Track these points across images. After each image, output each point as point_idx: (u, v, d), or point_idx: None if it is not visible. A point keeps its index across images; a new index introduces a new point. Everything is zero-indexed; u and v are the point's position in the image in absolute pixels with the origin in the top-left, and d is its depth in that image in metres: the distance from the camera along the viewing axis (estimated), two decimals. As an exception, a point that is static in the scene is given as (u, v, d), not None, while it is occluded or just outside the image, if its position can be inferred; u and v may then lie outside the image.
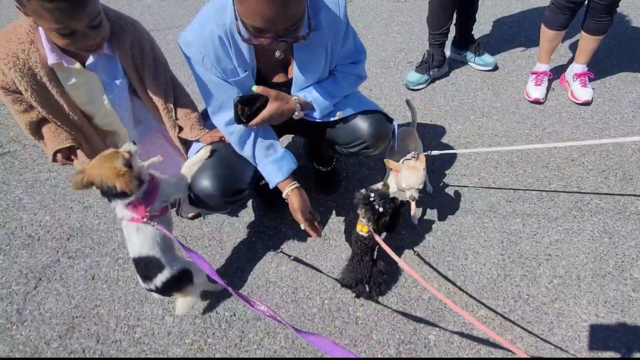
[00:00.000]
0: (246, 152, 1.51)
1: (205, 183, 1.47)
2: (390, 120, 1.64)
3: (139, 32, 1.41)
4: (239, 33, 1.20)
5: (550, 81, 2.62)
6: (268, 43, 1.15)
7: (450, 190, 2.06)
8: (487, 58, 2.83)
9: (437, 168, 2.18)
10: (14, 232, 1.99)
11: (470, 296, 1.65)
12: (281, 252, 1.84)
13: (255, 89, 1.35)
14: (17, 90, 1.31)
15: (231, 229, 1.96)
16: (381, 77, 2.88)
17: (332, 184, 2.08)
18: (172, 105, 1.51)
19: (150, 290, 1.44)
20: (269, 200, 2.02)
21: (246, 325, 1.61)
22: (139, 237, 1.38)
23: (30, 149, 2.45)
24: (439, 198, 2.03)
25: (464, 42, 2.85)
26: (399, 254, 1.79)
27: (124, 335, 1.60)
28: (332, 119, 1.57)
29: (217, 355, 1.54)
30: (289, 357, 1.52)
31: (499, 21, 3.37)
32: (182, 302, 1.51)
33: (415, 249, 1.83)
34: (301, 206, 1.50)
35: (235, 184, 1.52)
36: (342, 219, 1.97)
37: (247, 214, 2.01)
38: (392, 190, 1.76)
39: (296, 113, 1.48)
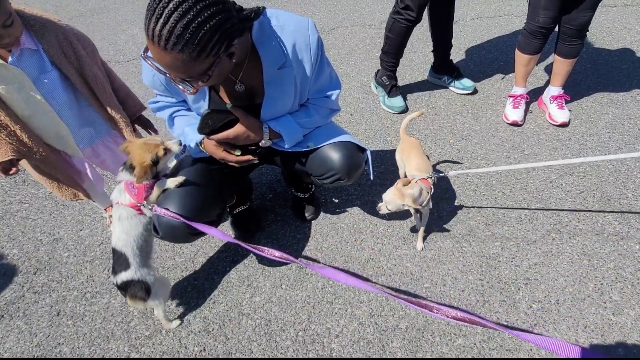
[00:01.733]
0: (176, 130, 1.55)
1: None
2: (362, 150, 1.64)
3: (60, 26, 1.45)
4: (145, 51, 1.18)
5: (527, 104, 2.67)
6: (162, 73, 1.14)
7: (429, 214, 2.05)
8: (466, 82, 2.88)
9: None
10: (-22, 266, 1.94)
11: (448, 324, 1.62)
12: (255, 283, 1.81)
13: (229, 107, 1.35)
14: None
15: (205, 259, 1.92)
16: (362, 102, 2.91)
17: (310, 211, 2.07)
18: (117, 101, 1.61)
19: (114, 284, 1.51)
20: (243, 230, 1.99)
21: (216, 360, 1.56)
22: (121, 228, 1.47)
23: (3, 180, 2.42)
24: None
25: (443, 67, 2.91)
26: (379, 278, 1.77)
27: (88, 375, 1.55)
28: (302, 149, 1.58)
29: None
30: (290, 357, 1.48)
31: (478, 46, 3.45)
32: (133, 303, 1.53)
33: (393, 275, 1.80)
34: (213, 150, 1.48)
35: (202, 217, 1.50)
36: (319, 246, 1.94)
37: (222, 244, 1.98)
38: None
39: (263, 141, 1.48)
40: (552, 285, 1.72)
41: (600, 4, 2.19)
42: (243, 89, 1.39)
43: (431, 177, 1.78)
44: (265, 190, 2.26)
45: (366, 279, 1.78)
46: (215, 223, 1.60)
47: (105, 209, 2.03)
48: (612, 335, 1.55)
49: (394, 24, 2.54)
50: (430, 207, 1.83)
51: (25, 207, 2.23)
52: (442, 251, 1.89)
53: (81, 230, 2.09)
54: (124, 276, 1.46)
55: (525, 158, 2.35)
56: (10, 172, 1.50)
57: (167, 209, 1.41)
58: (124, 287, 1.47)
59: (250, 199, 2.03)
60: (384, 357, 1.54)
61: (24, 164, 1.59)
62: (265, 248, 1.30)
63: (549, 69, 3.02)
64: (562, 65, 2.47)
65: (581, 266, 1.79)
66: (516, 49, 2.51)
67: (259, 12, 1.22)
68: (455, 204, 2.11)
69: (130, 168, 1.40)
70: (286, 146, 1.55)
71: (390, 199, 1.66)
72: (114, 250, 1.48)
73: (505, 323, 1.61)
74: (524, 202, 2.09)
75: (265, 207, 2.16)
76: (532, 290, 1.71)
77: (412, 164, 1.89)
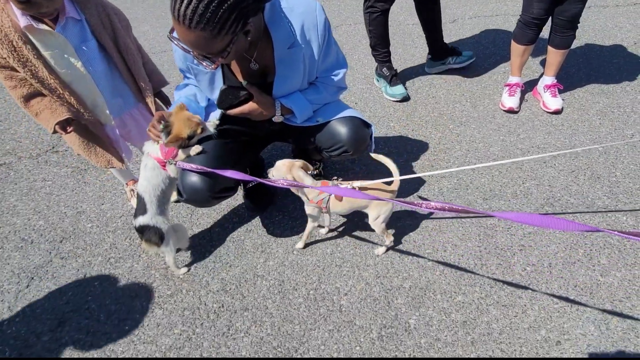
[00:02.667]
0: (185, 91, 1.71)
1: (194, 179, 1.59)
2: (368, 125, 1.77)
3: (104, 2, 1.61)
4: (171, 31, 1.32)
5: (522, 92, 2.82)
6: (185, 51, 1.29)
7: (430, 191, 2.19)
8: (466, 53, 3.15)
9: (417, 170, 2.31)
10: (7, 236, 2.06)
11: (449, 283, 1.74)
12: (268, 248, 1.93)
13: (245, 84, 1.49)
14: (7, 65, 1.48)
15: (221, 229, 2.05)
16: (366, 92, 3.06)
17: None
18: (145, 74, 1.77)
19: (134, 226, 1.71)
20: (257, 202, 2.12)
21: (234, 315, 1.68)
22: (145, 175, 1.64)
23: (26, 161, 2.55)
24: (419, 198, 2.15)
25: (443, 52, 3.07)
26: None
27: (114, 328, 1.66)
28: (311, 124, 1.71)
29: (205, 343, 1.60)
30: (291, 357, 1.58)
31: (476, 42, 3.61)
32: (147, 247, 1.71)
33: (397, 242, 1.93)
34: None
35: (223, 182, 1.63)
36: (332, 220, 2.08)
37: (236, 216, 2.11)
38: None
39: (275, 116, 1.61)
40: (544, 251, 1.85)
41: (593, 4, 2.33)
42: (257, 68, 1.52)
43: (336, 179, 1.71)
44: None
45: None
46: (233, 190, 1.74)
47: (126, 183, 2.16)
48: (600, 293, 1.68)
49: (371, 17, 2.72)
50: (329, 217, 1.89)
51: (49, 184, 2.36)
52: (443, 222, 2.02)
53: (102, 204, 2.21)
54: (141, 220, 1.64)
55: (521, 142, 2.48)
56: (68, 130, 1.65)
57: (192, 166, 1.55)
58: (141, 231, 1.65)
59: (262, 175, 2.16)
60: (384, 357, 1.66)
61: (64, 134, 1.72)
62: (274, 179, 1.53)
63: (542, 62, 3.17)
64: (554, 56, 2.62)
65: (572, 235, 1.92)
66: (512, 40, 2.66)
67: None
68: (455, 181, 2.24)
69: (167, 133, 1.53)
70: (298, 121, 1.68)
71: (279, 167, 1.65)
72: (137, 194, 1.67)
73: (501, 283, 1.74)
74: (519, 180, 2.22)
75: (276, 183, 2.29)
76: (526, 255, 1.84)
77: None
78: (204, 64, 1.32)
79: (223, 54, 1.28)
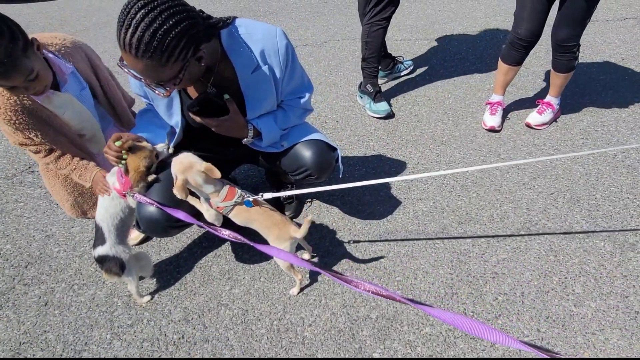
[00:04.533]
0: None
1: (151, 209, 1.54)
2: (333, 149, 1.73)
3: (77, 43, 1.65)
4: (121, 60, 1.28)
5: (505, 111, 2.77)
6: (136, 79, 1.26)
7: (404, 214, 2.13)
8: (406, 63, 3.23)
9: (394, 193, 2.26)
10: (-27, 260, 2.02)
11: (417, 314, 1.68)
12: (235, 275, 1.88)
13: (226, 98, 1.46)
14: (32, 142, 1.56)
15: (189, 253, 2.00)
16: (348, 110, 3.02)
17: (291, 209, 2.15)
18: (123, 101, 1.84)
19: (93, 257, 1.66)
20: (228, 225, 2.07)
21: (193, 347, 1.62)
22: (102, 203, 1.61)
23: (0, 181, 2.52)
24: (393, 221, 2.10)
25: (388, 60, 3.17)
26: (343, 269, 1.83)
27: (71, 360, 1.61)
28: (277, 150, 1.67)
29: (162, 378, 1.55)
30: (292, 357, 1.54)
31: (463, 58, 3.57)
32: (108, 277, 1.66)
33: (367, 269, 1.87)
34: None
35: (182, 210, 1.58)
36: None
37: (206, 239, 2.06)
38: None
39: (246, 138, 1.57)
40: (518, 279, 1.79)
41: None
42: (214, 92, 1.49)
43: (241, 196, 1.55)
44: (249, 191, 2.34)
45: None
46: (198, 215, 1.69)
47: None
48: (572, 325, 1.61)
49: (371, 28, 2.68)
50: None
51: (21, 206, 2.33)
52: (416, 247, 1.96)
53: (72, 227, 2.17)
54: (100, 250, 1.59)
55: (501, 162, 2.43)
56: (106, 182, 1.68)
57: (147, 196, 1.50)
58: (101, 261, 1.61)
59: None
60: (384, 357, 1.60)
61: (45, 177, 1.79)
62: (219, 227, 1.41)
63: (531, 81, 3.13)
64: (553, 77, 2.58)
65: (547, 261, 1.85)
66: (499, 59, 2.62)
67: (228, 21, 1.33)
68: (431, 204, 2.19)
69: (125, 170, 1.49)
70: (263, 145, 1.64)
71: (174, 163, 1.48)
72: (95, 224, 1.62)
73: (472, 314, 1.67)
74: (496, 203, 2.17)
75: (249, 206, 2.25)
76: (498, 284, 1.77)
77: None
78: (157, 91, 1.29)
79: (175, 81, 1.25)
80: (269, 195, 1.52)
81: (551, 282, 1.76)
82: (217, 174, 1.45)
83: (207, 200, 1.54)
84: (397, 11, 2.69)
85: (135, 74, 1.24)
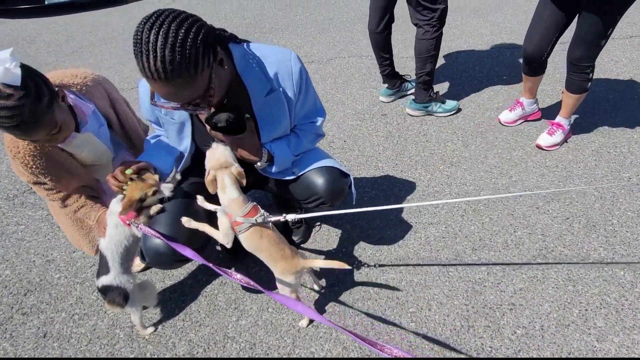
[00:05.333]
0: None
1: (157, 241, 1.47)
2: (346, 175, 1.66)
3: (96, 79, 1.61)
4: (152, 98, 1.25)
5: (524, 112, 2.82)
6: (176, 109, 1.21)
7: (416, 239, 2.06)
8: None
9: (405, 217, 2.19)
10: (-30, 287, 1.95)
11: (432, 349, 1.60)
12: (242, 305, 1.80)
13: (246, 117, 1.41)
14: (44, 184, 1.51)
15: (194, 281, 1.93)
16: (356, 129, 2.96)
17: (299, 234, 2.07)
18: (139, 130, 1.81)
19: (96, 287, 1.58)
20: (233, 252, 2.00)
21: (199, 383, 1.54)
22: (108, 232, 1.51)
23: (2, 202, 2.46)
24: (404, 247, 2.02)
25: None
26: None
27: (71, 397, 1.53)
28: (288, 177, 1.61)
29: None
30: (292, 357, 1.49)
31: (470, 76, 3.53)
32: (111, 308, 1.57)
33: (379, 299, 1.79)
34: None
35: (191, 242, 1.51)
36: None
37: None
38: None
39: (260, 163, 1.51)
40: (536, 311, 1.70)
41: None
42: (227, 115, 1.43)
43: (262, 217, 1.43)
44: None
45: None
46: (200, 251, 1.62)
47: None
48: (596, 362, 1.53)
49: (439, 37, 2.72)
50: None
51: (22, 229, 2.26)
52: (429, 276, 1.88)
53: (74, 252, 2.10)
54: (104, 280, 1.52)
55: (513, 184, 2.36)
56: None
57: (153, 228, 1.43)
58: (104, 291, 1.53)
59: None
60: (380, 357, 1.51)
61: (54, 213, 1.76)
62: (230, 271, 1.31)
63: (539, 100, 3.08)
64: (565, 97, 2.54)
65: (566, 292, 1.77)
66: None
67: (234, 35, 1.31)
68: (444, 228, 2.11)
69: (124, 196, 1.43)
70: (274, 170, 1.58)
71: (210, 157, 1.43)
72: (99, 252, 1.55)
73: (489, 349, 1.59)
74: (510, 228, 2.09)
75: (256, 230, 2.17)
76: (516, 316, 1.69)
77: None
78: (198, 113, 1.26)
79: (210, 92, 1.20)
80: (292, 216, 1.45)
81: (571, 315, 1.68)
82: (244, 182, 1.43)
83: (224, 211, 1.45)
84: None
85: (173, 105, 1.20)
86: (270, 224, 1.46)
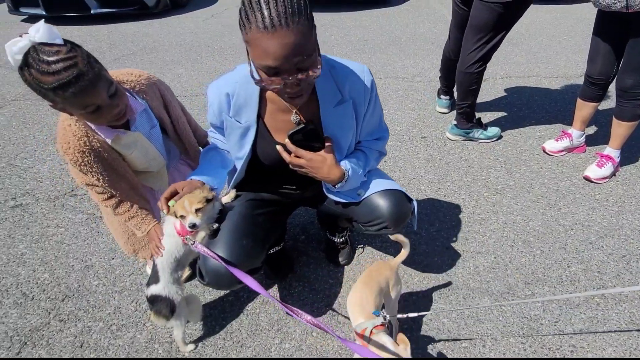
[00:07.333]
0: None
1: (217, 262, 1.36)
2: (410, 199, 1.55)
3: (151, 79, 1.53)
4: (252, 77, 1.15)
5: (571, 144, 2.69)
6: (281, 84, 1.08)
7: (464, 268, 1.92)
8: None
9: (452, 244, 2.05)
10: (8, 289, 1.86)
11: (490, 391, 1.45)
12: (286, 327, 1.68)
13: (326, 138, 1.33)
14: (95, 185, 1.43)
15: (235, 298, 1.81)
16: (395, 150, 2.85)
17: (344, 255, 1.95)
18: (192, 137, 1.71)
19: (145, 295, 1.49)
20: (276, 269, 1.89)
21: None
22: (164, 243, 1.45)
23: (43, 203, 2.40)
24: (453, 276, 1.88)
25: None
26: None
27: (106, 414, 1.42)
28: (353, 200, 1.50)
29: None
30: (291, 357, 1.31)
31: (509, 103, 3.41)
32: (156, 319, 1.47)
33: (429, 331, 1.65)
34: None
35: (248, 264, 1.41)
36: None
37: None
38: None
39: (340, 184, 1.40)
40: (600, 355, 1.55)
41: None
42: (298, 120, 1.34)
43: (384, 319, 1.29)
44: (298, 232, 2.17)
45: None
46: (259, 270, 1.52)
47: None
48: (673, 419, 1.36)
49: (482, 72, 2.63)
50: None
51: (62, 232, 2.18)
52: (480, 309, 1.74)
53: (113, 258, 2.01)
54: (154, 289, 1.44)
55: (563, 217, 2.21)
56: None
57: (212, 251, 1.33)
58: (152, 301, 1.44)
59: (284, 240, 1.94)
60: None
61: (103, 211, 1.69)
62: (300, 311, 1.18)
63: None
64: (615, 126, 2.41)
65: (630, 336, 1.61)
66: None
67: None
68: (493, 258, 1.97)
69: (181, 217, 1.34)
70: (343, 189, 1.46)
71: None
72: (153, 260, 1.47)
73: (553, 395, 1.44)
74: (564, 263, 1.94)
75: (298, 248, 2.06)
76: (580, 360, 1.54)
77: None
78: (311, 73, 1.08)
79: (317, 51, 1.10)
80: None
81: (640, 363, 1.52)
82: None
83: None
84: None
85: (276, 83, 1.07)
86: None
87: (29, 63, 1.10)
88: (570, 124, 2.72)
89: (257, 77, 1.13)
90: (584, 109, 2.52)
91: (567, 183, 2.48)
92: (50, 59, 1.10)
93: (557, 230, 2.13)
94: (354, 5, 6.58)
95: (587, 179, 2.47)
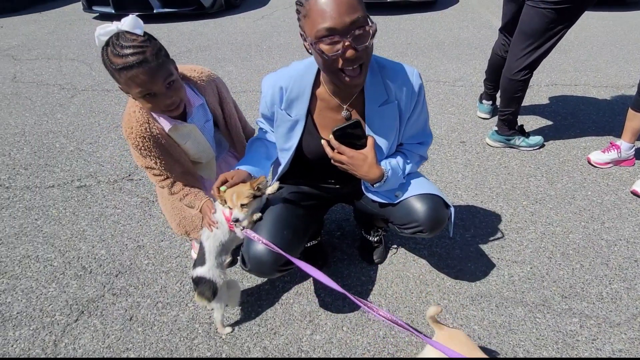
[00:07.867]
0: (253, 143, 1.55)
1: (260, 248, 1.37)
2: (447, 205, 1.48)
3: (211, 76, 1.58)
4: (316, 55, 1.12)
5: (618, 156, 2.51)
6: (341, 50, 1.05)
7: (499, 277, 1.83)
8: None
9: (486, 250, 1.96)
10: (70, 261, 1.97)
11: (520, 403, 1.37)
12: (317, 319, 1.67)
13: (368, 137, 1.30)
14: (153, 167, 1.49)
15: (271, 287, 1.82)
16: (434, 153, 2.77)
17: (378, 254, 1.91)
18: (242, 134, 1.74)
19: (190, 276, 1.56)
20: (312, 262, 1.87)
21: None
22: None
23: (103, 185, 2.51)
24: (486, 283, 1.80)
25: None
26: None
27: (149, 385, 1.46)
28: (389, 201, 1.46)
29: None
30: (289, 357, 1.30)
31: (553, 112, 3.22)
32: (199, 300, 1.50)
33: (459, 336, 1.59)
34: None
35: (288, 254, 1.41)
36: (384, 292, 1.78)
37: (288, 274, 1.86)
38: None
39: (378, 183, 1.36)
40: (641, 380, 1.43)
41: None
42: (349, 116, 1.32)
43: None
44: (334, 228, 2.15)
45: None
46: (300, 257, 1.52)
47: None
48: None
49: (525, 84, 2.50)
50: None
51: (118, 212, 2.28)
52: (514, 319, 1.65)
53: (162, 241, 2.08)
54: (199, 271, 1.47)
55: (606, 231, 2.06)
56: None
57: (259, 237, 1.34)
58: (197, 282, 1.47)
59: (321, 235, 1.93)
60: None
61: (161, 197, 1.74)
62: (374, 306, 1.14)
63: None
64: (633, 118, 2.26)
65: (676, 362, 1.48)
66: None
67: None
68: (529, 269, 1.87)
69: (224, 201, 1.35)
70: (381, 190, 1.42)
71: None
72: (200, 243, 1.50)
73: (586, 414, 1.34)
74: (605, 279, 1.81)
75: (333, 244, 2.04)
76: (617, 382, 1.42)
77: None
78: (367, 29, 1.06)
79: (367, 14, 1.08)
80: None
81: (685, 391, 1.39)
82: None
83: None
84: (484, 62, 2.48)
85: (336, 50, 1.06)
86: None
87: (108, 44, 1.21)
88: (618, 135, 2.53)
89: (319, 58, 1.11)
90: (635, 120, 2.33)
91: (613, 197, 2.30)
92: (125, 43, 1.20)
93: (599, 244, 1.98)
94: (399, 9, 6.44)
95: (635, 193, 2.29)
